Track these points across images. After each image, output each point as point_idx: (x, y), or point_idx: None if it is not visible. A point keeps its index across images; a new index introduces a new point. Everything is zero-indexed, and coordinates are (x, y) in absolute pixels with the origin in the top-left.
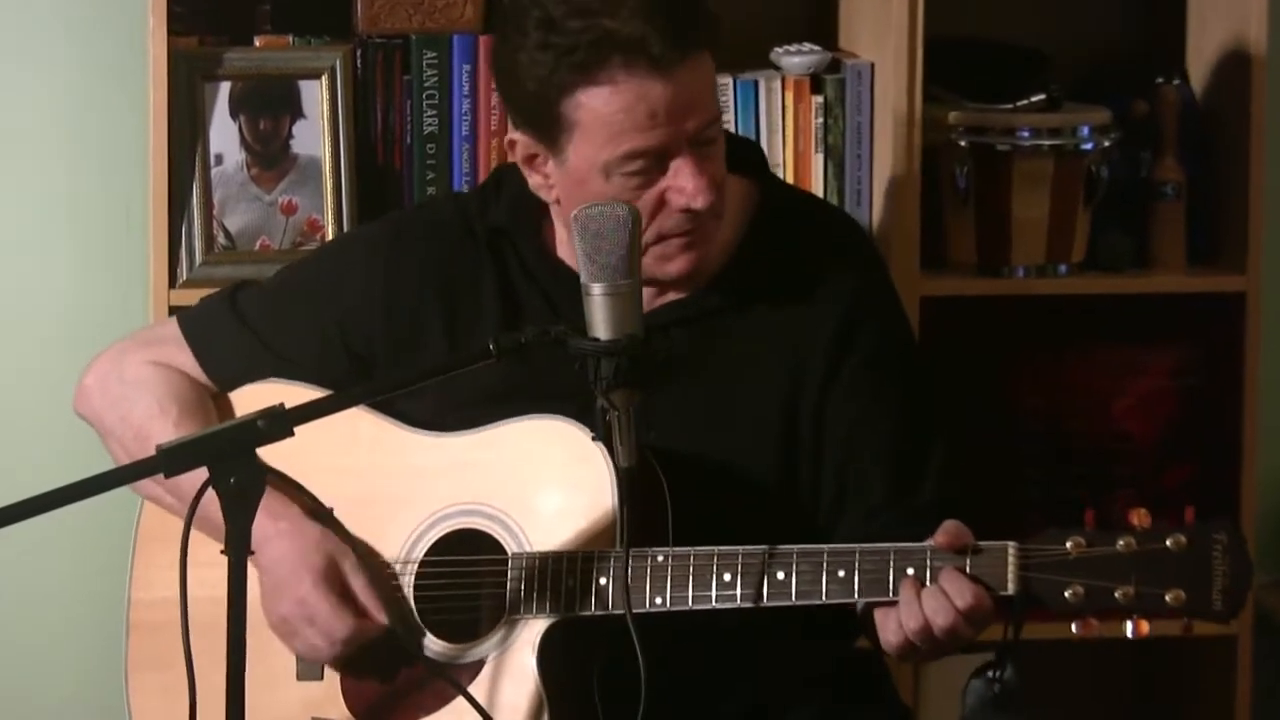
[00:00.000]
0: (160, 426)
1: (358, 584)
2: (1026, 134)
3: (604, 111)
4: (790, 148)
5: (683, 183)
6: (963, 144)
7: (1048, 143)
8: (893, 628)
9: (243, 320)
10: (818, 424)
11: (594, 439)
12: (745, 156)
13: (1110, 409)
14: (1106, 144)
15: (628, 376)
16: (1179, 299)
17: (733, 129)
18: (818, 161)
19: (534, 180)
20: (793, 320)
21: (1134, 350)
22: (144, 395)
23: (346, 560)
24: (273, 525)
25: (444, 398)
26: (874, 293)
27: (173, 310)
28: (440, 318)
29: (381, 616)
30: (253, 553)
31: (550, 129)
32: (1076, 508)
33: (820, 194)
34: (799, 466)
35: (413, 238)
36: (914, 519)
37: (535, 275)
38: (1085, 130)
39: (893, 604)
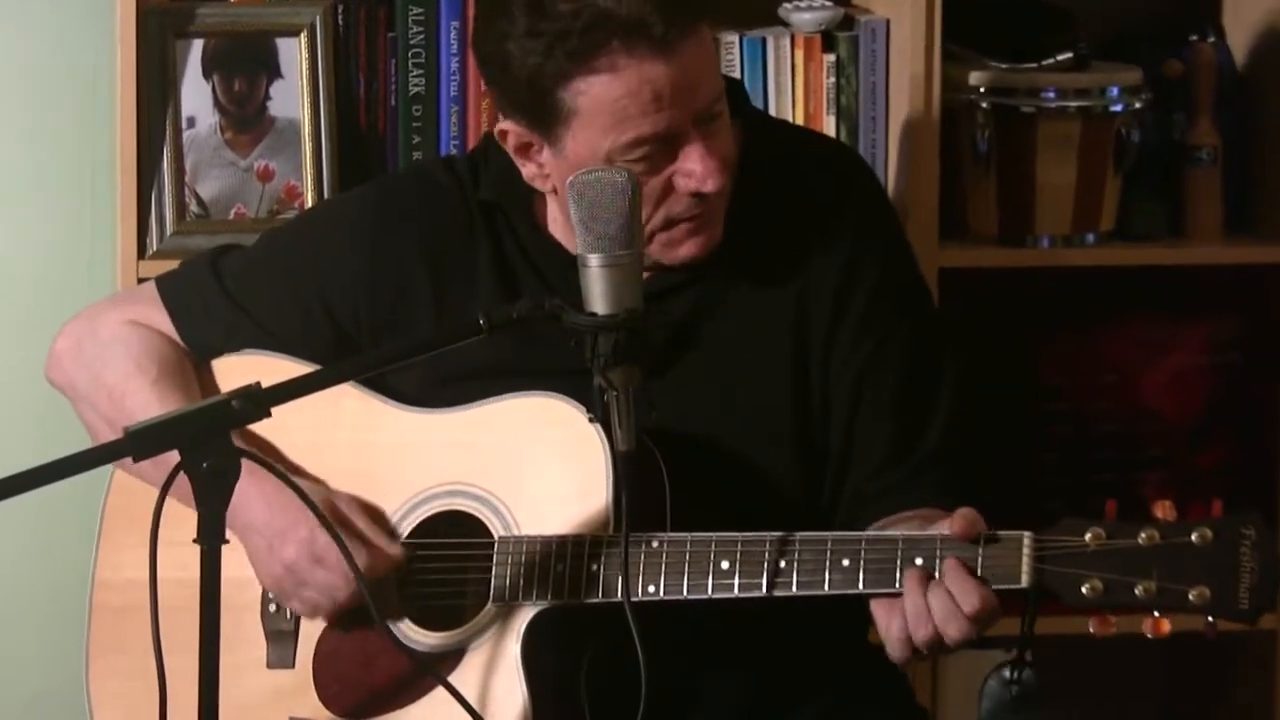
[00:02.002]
0: (138, 385)
1: (361, 521)
2: (1052, 95)
3: (605, 99)
4: (800, 109)
5: (692, 166)
6: (984, 106)
7: (1075, 104)
8: (897, 627)
9: (224, 287)
10: (825, 375)
11: (591, 421)
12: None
13: (1140, 388)
14: (1137, 106)
15: (627, 354)
16: (1214, 271)
17: None
18: (829, 124)
19: (528, 170)
20: (792, 271)
21: (1166, 325)
22: (120, 354)
23: (340, 500)
24: (256, 485)
25: (434, 374)
26: (875, 226)
27: (142, 283)
28: (430, 291)
29: (394, 549)
30: (227, 542)
31: (546, 119)
32: (1102, 493)
33: None
34: (808, 433)
35: (403, 205)
36: (917, 471)
37: (528, 251)
38: (1115, 91)
39: (895, 596)
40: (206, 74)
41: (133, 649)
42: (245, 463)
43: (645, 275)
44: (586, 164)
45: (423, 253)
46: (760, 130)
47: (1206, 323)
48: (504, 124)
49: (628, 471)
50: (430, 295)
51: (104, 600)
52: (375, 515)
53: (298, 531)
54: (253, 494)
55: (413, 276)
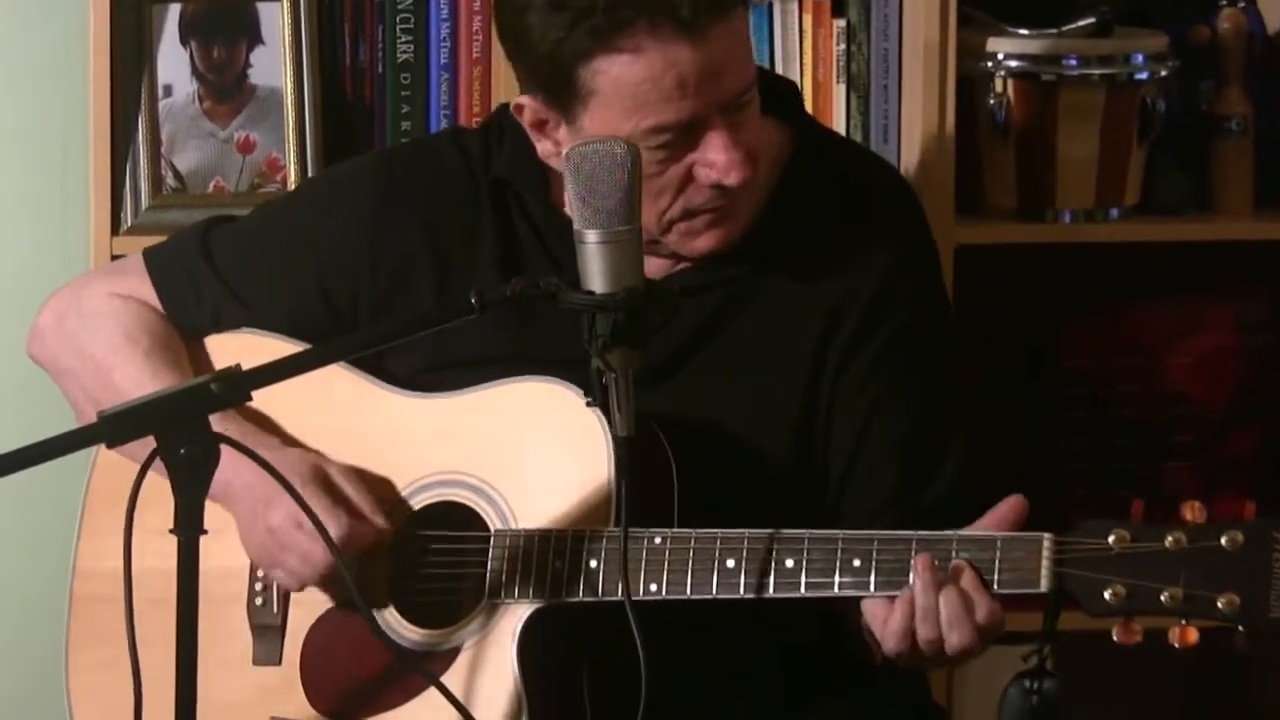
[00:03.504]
0: (127, 356)
1: (350, 488)
2: (1074, 62)
3: (626, 81)
4: (809, 78)
5: (714, 157)
6: (1002, 74)
7: (1097, 72)
8: (898, 619)
9: (212, 263)
10: (834, 397)
11: (588, 403)
12: (780, 97)
13: (1166, 370)
14: (1163, 73)
15: (626, 335)
16: (1244, 246)
17: None
18: (839, 94)
19: (543, 147)
20: (822, 289)
21: (1194, 304)
22: (107, 326)
23: (332, 467)
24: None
25: (433, 360)
26: (913, 264)
27: (116, 260)
28: (432, 272)
29: (380, 520)
30: (205, 532)
31: (564, 96)
32: (1125, 482)
33: (842, 131)
34: (814, 448)
35: (406, 180)
36: (919, 517)
37: (541, 232)
38: (1140, 58)
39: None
40: (184, 40)
41: (115, 642)
42: (235, 428)
43: (676, 268)
44: None
45: (425, 232)
46: (814, 140)
47: (1236, 301)
48: (521, 98)
49: (628, 459)
50: (432, 277)
51: (85, 590)
52: (377, 485)
53: (283, 498)
54: (242, 465)
55: (414, 257)
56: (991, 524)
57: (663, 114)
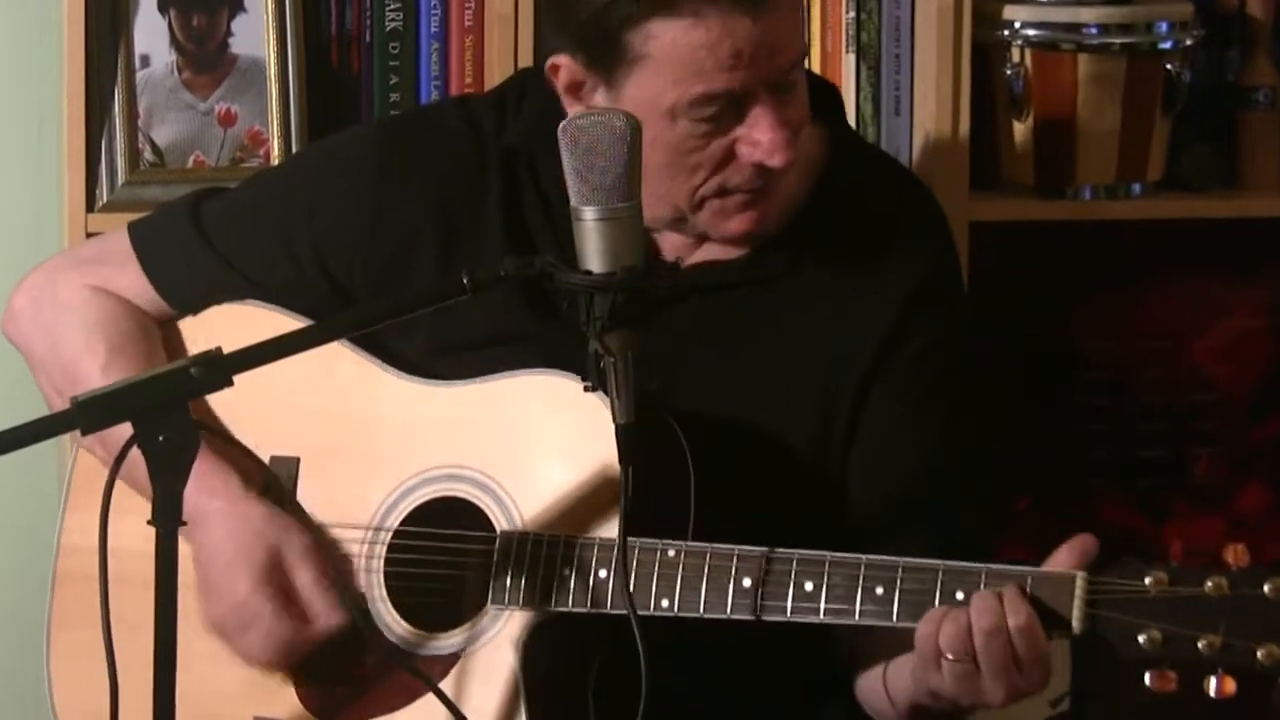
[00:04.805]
0: (86, 367)
1: (304, 580)
2: (1094, 31)
3: (682, 47)
4: (815, 48)
5: (759, 135)
6: (1019, 42)
7: (1119, 41)
8: (907, 675)
9: (205, 236)
10: (853, 419)
11: (586, 389)
12: (820, 100)
13: (1191, 355)
14: (1188, 42)
15: (626, 317)
16: (1273, 224)
17: None
18: (848, 63)
19: (576, 111)
20: (848, 297)
21: (1219, 285)
22: (74, 325)
23: (291, 550)
24: (207, 503)
25: (441, 340)
26: (937, 287)
27: (96, 236)
28: (435, 245)
29: (333, 617)
30: (184, 524)
31: (608, 60)
32: (1150, 469)
33: (852, 103)
34: (830, 459)
35: (410, 151)
36: (938, 552)
37: (552, 206)
38: (1163, 26)
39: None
40: (162, 8)
41: (99, 623)
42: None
43: (702, 261)
44: (647, 115)
45: (429, 204)
46: (850, 147)
47: (1265, 282)
48: (558, 58)
49: (630, 447)
50: (435, 251)
51: (69, 568)
52: (339, 560)
53: (231, 591)
54: (204, 514)
55: (417, 230)
56: (1066, 559)
57: (714, 82)
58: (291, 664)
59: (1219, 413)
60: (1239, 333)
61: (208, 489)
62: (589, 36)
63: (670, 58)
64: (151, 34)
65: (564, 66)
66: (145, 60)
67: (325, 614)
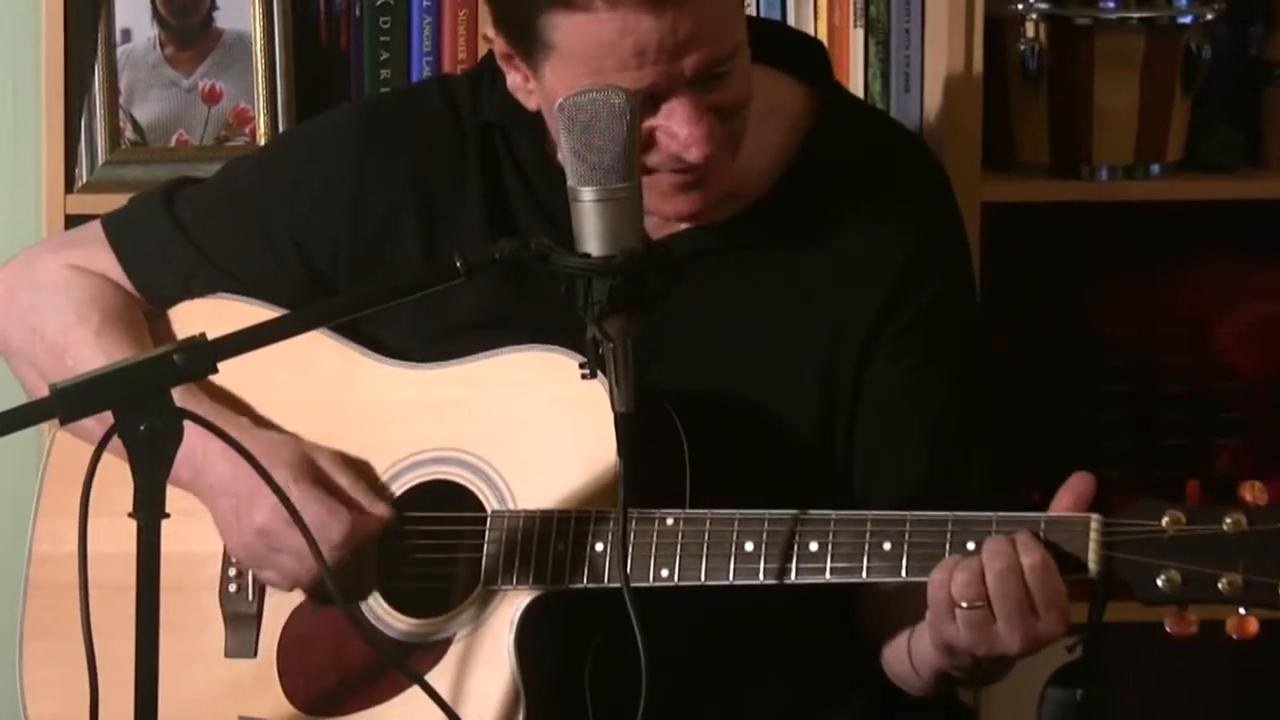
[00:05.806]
0: (79, 336)
1: (343, 477)
2: (1112, 5)
3: (582, 42)
4: (823, 22)
5: (675, 128)
6: (1034, 17)
7: (1137, 15)
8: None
9: (180, 225)
10: (856, 385)
11: (585, 375)
12: (804, 58)
13: (1213, 340)
14: (1209, 17)
15: (625, 301)
16: None
17: (753, 1)
18: (857, 39)
19: (513, 79)
20: (842, 263)
21: (1242, 268)
22: (59, 303)
23: (322, 456)
24: (207, 445)
25: (424, 327)
26: (939, 243)
27: (71, 221)
28: (417, 226)
29: (379, 508)
30: (167, 516)
31: (527, 44)
32: (1170, 461)
33: (860, 79)
34: (833, 430)
35: (389, 131)
36: (957, 506)
37: (530, 180)
38: (1183, 1)
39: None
40: None
41: (74, 632)
42: (204, 408)
43: (681, 229)
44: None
45: (410, 185)
46: (839, 106)
47: None
48: (490, 32)
49: (630, 435)
50: (416, 231)
51: (42, 577)
52: (364, 471)
53: (270, 494)
54: (213, 451)
55: (398, 211)
56: (1065, 502)
57: (619, 80)
58: (341, 560)
59: (1243, 402)
60: (1264, 318)
61: (203, 436)
62: (508, 16)
63: (575, 51)
64: (133, 7)
65: (496, 40)
66: (126, 35)
67: (372, 504)
